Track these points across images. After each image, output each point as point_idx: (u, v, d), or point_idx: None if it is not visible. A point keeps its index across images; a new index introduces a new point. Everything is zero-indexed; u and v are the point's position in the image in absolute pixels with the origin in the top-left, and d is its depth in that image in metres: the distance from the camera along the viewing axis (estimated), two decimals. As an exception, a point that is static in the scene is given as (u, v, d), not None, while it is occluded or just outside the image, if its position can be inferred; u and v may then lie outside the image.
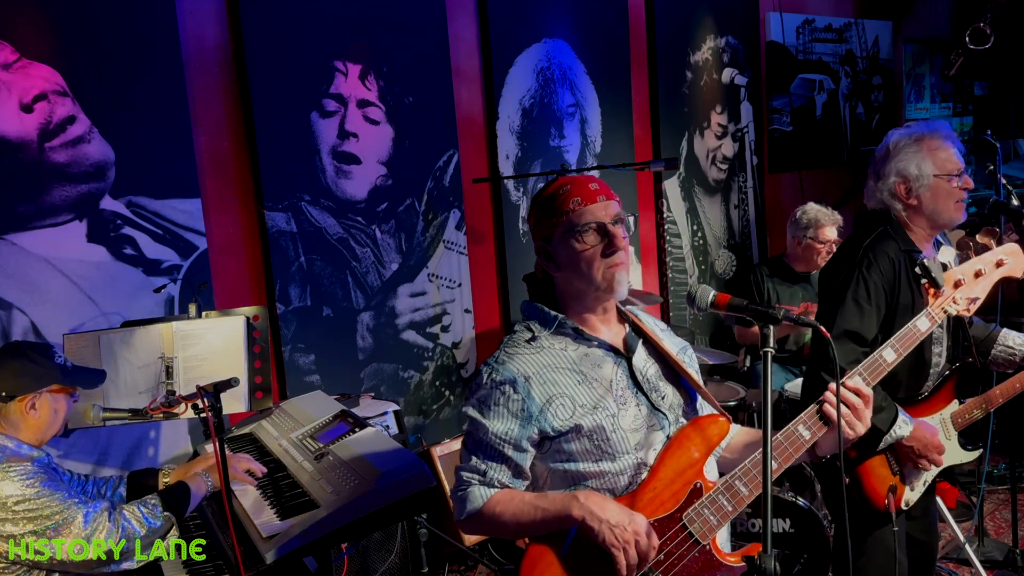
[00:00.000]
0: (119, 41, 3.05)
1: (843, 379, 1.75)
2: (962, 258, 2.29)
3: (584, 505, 1.63)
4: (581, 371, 1.73)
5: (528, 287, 1.88)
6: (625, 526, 1.60)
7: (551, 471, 1.74)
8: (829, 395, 1.72)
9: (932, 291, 2.11)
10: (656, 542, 1.63)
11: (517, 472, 1.74)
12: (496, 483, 1.73)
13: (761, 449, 1.67)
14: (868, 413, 1.73)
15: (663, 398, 1.77)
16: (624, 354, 1.77)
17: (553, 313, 1.76)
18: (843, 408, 1.71)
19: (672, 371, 1.83)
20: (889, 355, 1.94)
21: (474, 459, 1.74)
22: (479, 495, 1.73)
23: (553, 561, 1.68)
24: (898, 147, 2.41)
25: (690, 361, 1.87)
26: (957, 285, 2.12)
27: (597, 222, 1.69)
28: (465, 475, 1.76)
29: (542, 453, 1.74)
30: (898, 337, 1.98)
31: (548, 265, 1.76)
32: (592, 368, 1.73)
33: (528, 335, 1.77)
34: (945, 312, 2.11)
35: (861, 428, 1.73)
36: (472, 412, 1.74)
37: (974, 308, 2.15)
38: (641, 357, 1.79)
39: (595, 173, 4.62)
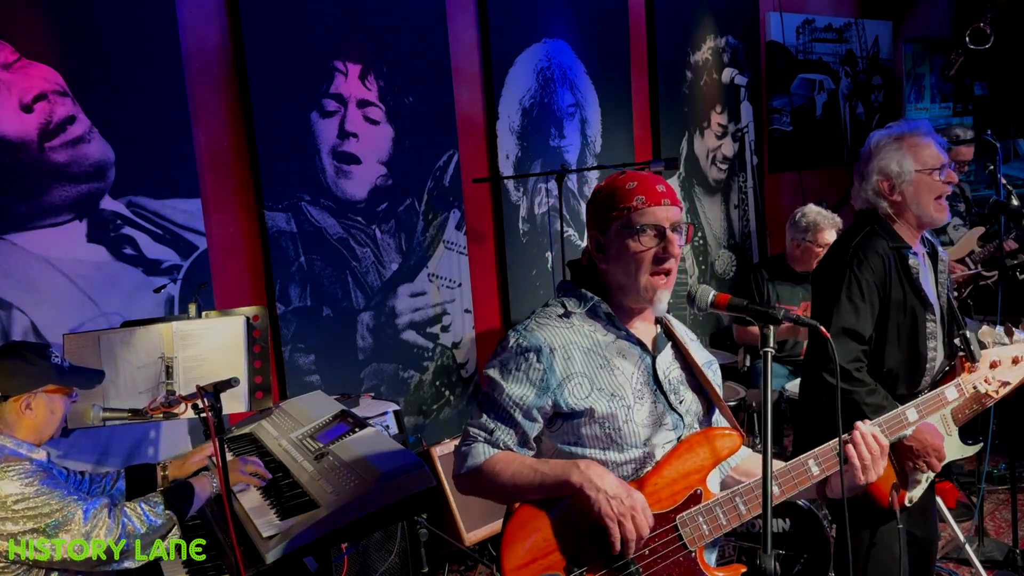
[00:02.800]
0: (119, 41, 3.05)
1: (863, 428, 1.77)
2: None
3: (584, 473, 1.62)
4: (605, 356, 1.73)
5: (571, 272, 1.88)
6: (623, 499, 1.60)
7: (557, 451, 1.75)
8: (856, 435, 1.75)
9: (967, 364, 2.14)
10: (652, 521, 1.62)
11: (523, 440, 1.74)
12: (501, 444, 1.73)
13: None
14: (883, 463, 1.76)
15: (682, 402, 1.78)
16: (651, 352, 1.78)
17: (590, 295, 1.77)
18: (864, 453, 1.74)
19: (695, 380, 1.83)
20: (912, 415, 1.96)
21: (484, 417, 1.75)
22: (482, 452, 1.73)
23: (541, 526, 1.66)
24: (879, 146, 2.44)
25: (714, 376, 1.87)
26: (993, 366, 2.16)
27: (657, 224, 1.69)
28: (472, 431, 1.76)
29: (552, 431, 1.74)
30: (924, 401, 2.01)
31: (597, 256, 1.76)
32: (616, 356, 1.74)
33: (561, 310, 1.78)
34: (975, 388, 2.14)
35: (873, 476, 1.75)
36: (492, 372, 1.75)
37: (1003, 392, 2.20)
38: (667, 358, 1.80)
39: (595, 173, 4.62)
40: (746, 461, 1.89)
